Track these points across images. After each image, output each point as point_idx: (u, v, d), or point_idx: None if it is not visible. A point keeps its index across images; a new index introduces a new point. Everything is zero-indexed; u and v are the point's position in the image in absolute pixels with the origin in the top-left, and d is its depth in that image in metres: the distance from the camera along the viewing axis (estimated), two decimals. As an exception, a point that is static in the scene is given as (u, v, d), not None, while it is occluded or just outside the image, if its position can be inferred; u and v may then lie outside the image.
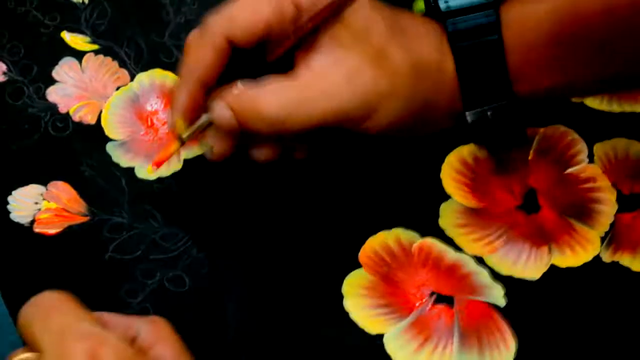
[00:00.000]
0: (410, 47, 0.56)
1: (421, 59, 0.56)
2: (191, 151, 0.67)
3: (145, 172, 0.66)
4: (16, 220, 0.64)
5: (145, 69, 0.72)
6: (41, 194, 0.66)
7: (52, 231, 0.64)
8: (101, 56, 0.73)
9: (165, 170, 0.67)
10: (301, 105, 0.54)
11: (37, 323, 0.43)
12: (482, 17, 0.56)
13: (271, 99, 0.54)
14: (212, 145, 0.58)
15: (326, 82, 0.55)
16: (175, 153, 0.61)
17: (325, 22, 0.55)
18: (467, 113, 0.57)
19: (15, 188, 0.66)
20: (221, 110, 0.56)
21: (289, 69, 0.56)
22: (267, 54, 0.57)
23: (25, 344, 0.44)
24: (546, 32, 0.55)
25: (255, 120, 0.55)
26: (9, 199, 0.65)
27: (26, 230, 0.64)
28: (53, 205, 0.65)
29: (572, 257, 0.64)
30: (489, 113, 0.57)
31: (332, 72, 0.55)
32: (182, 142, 0.58)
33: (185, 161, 0.67)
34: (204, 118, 0.57)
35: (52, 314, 0.44)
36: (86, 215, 0.65)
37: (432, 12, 0.57)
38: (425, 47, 0.56)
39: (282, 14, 0.55)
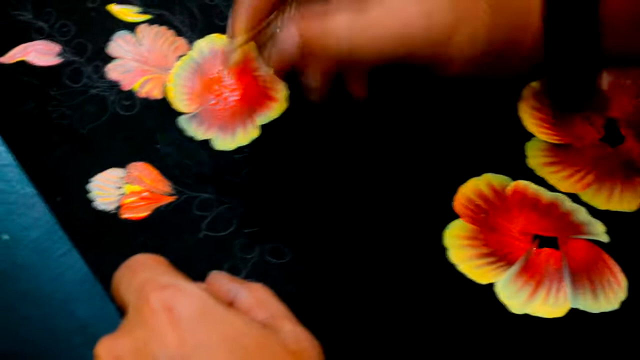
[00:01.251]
0: None
1: (508, 5, 0.51)
2: (267, 117, 0.63)
3: (223, 142, 0.62)
4: (101, 208, 0.60)
5: (201, 35, 0.67)
6: (122, 178, 0.61)
7: (141, 215, 0.60)
8: (155, 26, 0.68)
9: (244, 139, 0.62)
10: (373, 40, 0.50)
11: (124, 281, 0.42)
12: None
13: (342, 30, 0.50)
14: (273, 62, 0.54)
15: (400, 11, 0.50)
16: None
17: None
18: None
19: (93, 175, 0.61)
20: (289, 34, 0.51)
21: None
22: None
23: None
24: None
25: (324, 51, 0.50)
26: (89, 186, 0.60)
27: (113, 217, 0.59)
28: (137, 188, 0.61)
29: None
30: (569, 79, 0.53)
31: (411, 6, 0.50)
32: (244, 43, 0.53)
33: (263, 127, 0.63)
34: (272, 29, 0.53)
35: (137, 271, 0.42)
36: (172, 195, 0.60)
37: None
38: None
39: None
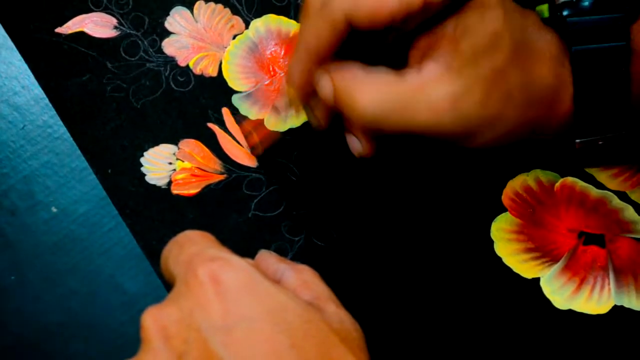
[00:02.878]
0: (530, 69, 0.46)
1: (538, 84, 0.47)
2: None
3: (276, 123, 0.59)
4: (152, 182, 0.57)
5: (258, 14, 0.64)
6: (174, 154, 0.58)
7: (191, 192, 0.56)
8: (212, 4, 0.64)
9: (296, 121, 0.59)
10: (400, 112, 0.46)
11: (172, 255, 0.40)
12: (611, 40, 0.46)
13: (370, 94, 0.46)
14: (313, 113, 0.51)
15: (432, 95, 0.45)
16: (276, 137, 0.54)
17: (451, 27, 0.46)
18: (577, 141, 0.49)
19: (146, 149, 0.58)
20: (324, 82, 0.48)
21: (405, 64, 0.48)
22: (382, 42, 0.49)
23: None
24: None
25: (350, 110, 0.47)
26: (142, 160, 0.57)
27: (163, 192, 0.56)
28: (188, 164, 0.57)
29: None
30: (600, 142, 0.49)
31: (441, 86, 0.45)
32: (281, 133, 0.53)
33: None
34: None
35: (185, 246, 0.40)
36: (222, 174, 0.57)
37: (555, 19, 0.48)
38: (544, 70, 0.47)
39: (409, 7, 0.45)
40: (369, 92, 0.46)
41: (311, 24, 0.48)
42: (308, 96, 0.51)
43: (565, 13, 0.47)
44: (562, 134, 0.49)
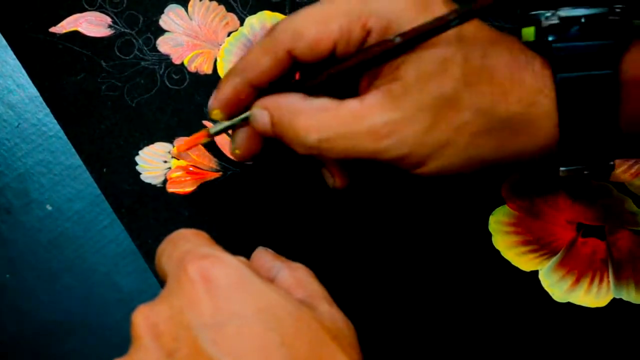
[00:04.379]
0: (493, 95, 0.44)
1: (504, 112, 0.44)
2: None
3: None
4: (147, 181, 0.56)
5: (253, 11, 0.63)
6: (168, 152, 0.57)
7: (187, 190, 0.56)
8: (206, 1, 0.64)
9: None
10: (340, 140, 0.45)
11: (165, 254, 0.40)
12: (598, 68, 0.44)
13: (311, 124, 0.45)
14: (239, 144, 0.49)
15: (372, 123, 0.44)
16: (202, 143, 0.51)
17: (396, 54, 0.44)
18: (561, 169, 0.47)
19: (141, 147, 0.57)
20: (261, 114, 0.47)
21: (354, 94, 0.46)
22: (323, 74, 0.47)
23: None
24: None
25: (290, 136, 0.46)
26: (137, 159, 0.57)
27: (158, 190, 0.56)
28: (183, 163, 0.57)
29: None
30: (585, 172, 0.47)
31: (381, 112, 0.44)
32: (211, 136, 0.50)
33: None
34: (240, 117, 0.48)
35: (179, 244, 0.40)
36: (218, 171, 0.57)
37: (541, 44, 0.46)
38: (513, 97, 0.44)
39: (350, 35, 0.45)
40: (308, 119, 0.45)
41: (253, 52, 0.47)
42: (230, 114, 0.49)
43: (551, 38, 0.45)
44: (547, 161, 0.47)
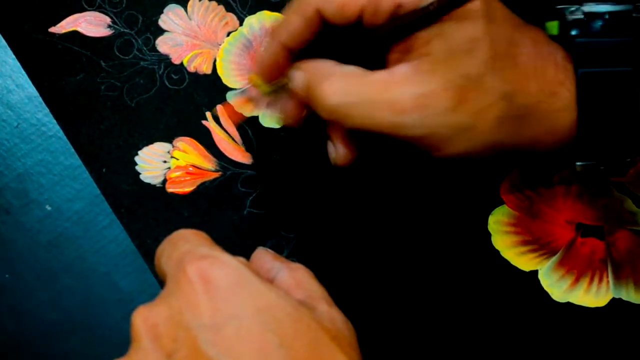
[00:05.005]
0: (516, 81, 0.44)
1: (525, 99, 0.45)
2: None
3: (271, 120, 0.58)
4: (147, 181, 0.56)
5: (252, 11, 0.63)
6: (168, 152, 0.57)
7: (186, 190, 0.56)
8: (206, 1, 0.63)
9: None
10: (363, 107, 0.45)
11: (165, 254, 0.40)
12: (620, 64, 0.45)
13: (337, 87, 0.45)
14: (284, 111, 0.50)
15: (398, 95, 0.44)
16: (251, 111, 0.53)
17: (428, 24, 0.44)
18: (577, 163, 0.47)
19: (140, 147, 0.57)
20: (298, 75, 0.47)
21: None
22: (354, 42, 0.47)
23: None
24: None
25: (316, 100, 0.46)
26: (136, 159, 0.57)
27: (158, 190, 0.56)
28: (182, 163, 0.57)
29: None
30: (601, 168, 0.47)
31: (407, 86, 0.44)
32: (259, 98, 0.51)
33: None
34: (283, 81, 0.49)
35: (178, 244, 0.40)
36: (217, 171, 0.56)
37: (564, 38, 0.46)
38: (533, 87, 0.45)
39: (378, 3, 0.45)
40: (335, 82, 0.45)
41: (285, 17, 0.48)
42: (272, 80, 0.50)
43: (574, 33, 0.45)
44: (563, 152, 0.47)
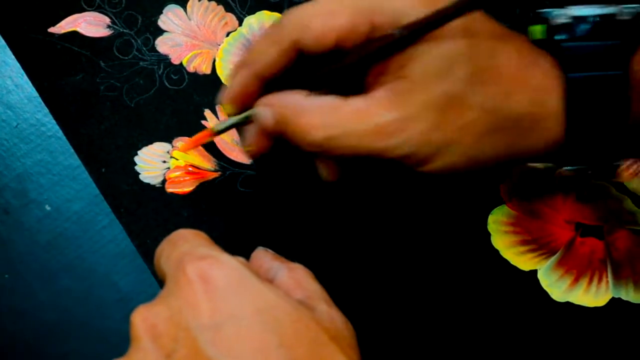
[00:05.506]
0: (500, 94, 0.44)
1: (511, 111, 0.44)
2: None
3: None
4: (146, 181, 0.56)
5: (252, 11, 0.63)
6: (167, 152, 0.57)
7: (186, 189, 0.56)
8: (205, 1, 0.64)
9: None
10: (346, 138, 0.44)
11: (164, 254, 0.40)
12: (608, 68, 0.44)
13: (317, 121, 0.44)
14: (249, 142, 0.49)
15: (379, 120, 0.44)
16: (206, 142, 0.52)
17: (399, 48, 0.44)
18: (565, 168, 0.47)
19: (140, 147, 0.57)
20: (264, 111, 0.46)
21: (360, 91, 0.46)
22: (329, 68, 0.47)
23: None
24: None
25: (294, 135, 0.45)
26: (136, 159, 0.57)
27: (157, 190, 0.56)
28: (182, 163, 0.57)
29: None
30: (589, 172, 0.47)
31: (386, 110, 0.44)
32: (215, 135, 0.49)
33: None
34: (243, 115, 0.48)
35: (177, 244, 0.40)
36: (217, 171, 0.56)
37: (549, 43, 0.45)
38: (520, 97, 0.44)
39: (356, 30, 0.44)
40: (314, 117, 0.45)
41: (259, 44, 0.47)
42: (240, 108, 0.48)
43: (560, 37, 0.44)
44: (550, 158, 0.47)
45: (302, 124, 0.45)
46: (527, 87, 0.44)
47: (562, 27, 0.45)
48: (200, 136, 0.50)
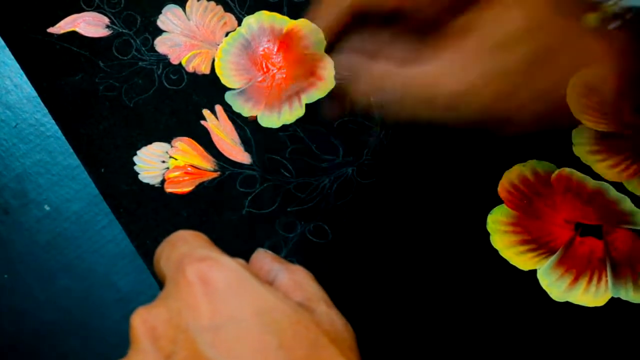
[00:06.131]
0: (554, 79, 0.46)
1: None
2: (312, 96, 0.58)
3: (269, 120, 0.58)
4: (145, 181, 0.56)
5: (251, 11, 0.63)
6: (167, 152, 0.57)
7: (185, 190, 0.56)
8: (204, 1, 0.64)
9: (289, 117, 0.58)
10: (471, 93, 0.46)
11: (164, 255, 0.40)
12: None
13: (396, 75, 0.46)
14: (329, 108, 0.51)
15: (459, 71, 0.46)
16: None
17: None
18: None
19: (139, 147, 0.57)
20: (392, 94, 0.47)
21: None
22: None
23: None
24: None
25: (430, 103, 0.46)
26: (135, 159, 0.57)
27: (157, 190, 0.56)
28: (181, 163, 0.57)
29: None
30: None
31: (461, 74, 0.46)
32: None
33: (307, 106, 0.59)
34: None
35: (177, 245, 0.40)
36: (216, 171, 0.56)
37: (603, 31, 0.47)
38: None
39: None
40: (447, 81, 0.46)
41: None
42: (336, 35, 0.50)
43: (613, 26, 0.45)
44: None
45: (439, 93, 0.46)
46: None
47: (616, 16, 0.46)
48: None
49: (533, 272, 0.53)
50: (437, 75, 0.45)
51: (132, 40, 0.61)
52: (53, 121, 0.57)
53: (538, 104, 0.45)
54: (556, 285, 0.53)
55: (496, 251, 0.54)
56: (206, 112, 0.58)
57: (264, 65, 0.61)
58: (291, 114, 0.58)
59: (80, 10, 0.62)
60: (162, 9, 0.63)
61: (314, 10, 0.50)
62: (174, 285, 0.38)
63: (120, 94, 0.59)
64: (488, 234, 0.55)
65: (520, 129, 0.47)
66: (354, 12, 0.48)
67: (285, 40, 0.61)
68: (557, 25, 0.46)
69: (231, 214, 0.55)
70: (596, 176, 0.56)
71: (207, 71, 0.61)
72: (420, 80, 0.45)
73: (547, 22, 0.46)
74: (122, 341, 0.37)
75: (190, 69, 0.61)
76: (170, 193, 0.56)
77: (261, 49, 0.61)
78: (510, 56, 0.44)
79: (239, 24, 0.63)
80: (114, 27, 0.62)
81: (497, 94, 0.45)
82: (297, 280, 0.41)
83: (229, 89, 0.60)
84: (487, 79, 0.45)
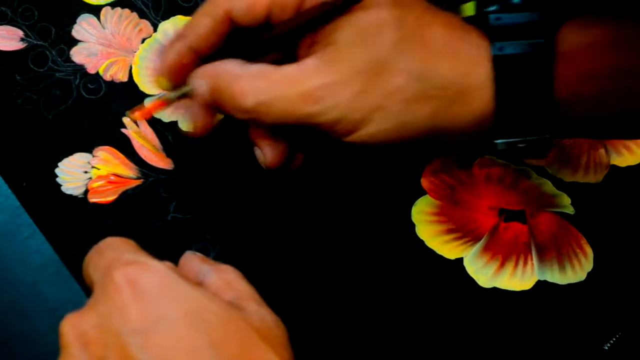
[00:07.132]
0: (427, 61, 0.47)
1: (438, 79, 0.47)
2: None
3: (188, 125, 0.58)
4: (69, 192, 0.57)
5: (166, 16, 0.65)
6: (88, 162, 0.59)
7: (109, 199, 0.58)
8: (118, 9, 0.65)
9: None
10: (277, 103, 0.47)
11: (92, 263, 0.41)
12: (534, 42, 0.47)
13: (247, 86, 0.47)
14: (193, 119, 0.52)
15: (308, 85, 0.47)
16: (161, 110, 0.54)
17: (330, 19, 0.48)
18: (497, 142, 0.49)
19: (60, 159, 0.58)
20: (199, 83, 0.49)
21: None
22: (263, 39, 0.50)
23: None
24: (608, 65, 0.46)
25: (227, 103, 0.48)
26: (57, 171, 0.58)
27: (81, 201, 0.57)
28: (103, 172, 0.58)
29: (629, 156, 0.61)
30: (520, 145, 0.49)
31: (315, 77, 0.47)
32: (169, 103, 0.53)
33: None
34: (185, 88, 0.50)
35: (105, 252, 0.41)
36: (139, 178, 0.58)
37: (479, 16, 0.48)
38: (448, 67, 0.47)
39: (285, 1, 0.48)
40: (246, 83, 0.47)
41: (194, 16, 0.50)
42: (176, 82, 0.51)
43: (491, 9, 0.47)
44: (484, 135, 0.49)
45: (234, 91, 0.47)
46: (454, 58, 0.47)
47: (493, 1, 0.47)
48: (154, 105, 0.52)
49: (460, 260, 0.56)
50: (295, 76, 0.47)
51: (47, 52, 0.63)
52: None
53: (413, 86, 0.47)
54: (483, 272, 0.55)
55: (422, 242, 0.56)
56: (126, 120, 0.60)
57: (182, 70, 0.62)
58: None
59: (-7, 24, 0.61)
60: (76, 18, 0.65)
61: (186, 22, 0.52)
62: (103, 290, 0.39)
63: (39, 106, 0.61)
64: (414, 225, 0.57)
65: (392, 129, 0.49)
66: (227, 21, 0.50)
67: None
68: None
69: (156, 220, 0.56)
70: (518, 161, 0.60)
71: (125, 79, 0.62)
72: (290, 79, 0.47)
73: (410, 13, 0.48)
74: (52, 350, 0.38)
75: (107, 77, 0.62)
76: (94, 203, 0.57)
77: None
78: (377, 43, 0.47)
79: (155, 30, 0.65)
80: (29, 39, 0.63)
81: (366, 82, 0.47)
82: (227, 280, 0.42)
83: (148, 95, 0.62)
84: (354, 69, 0.47)
